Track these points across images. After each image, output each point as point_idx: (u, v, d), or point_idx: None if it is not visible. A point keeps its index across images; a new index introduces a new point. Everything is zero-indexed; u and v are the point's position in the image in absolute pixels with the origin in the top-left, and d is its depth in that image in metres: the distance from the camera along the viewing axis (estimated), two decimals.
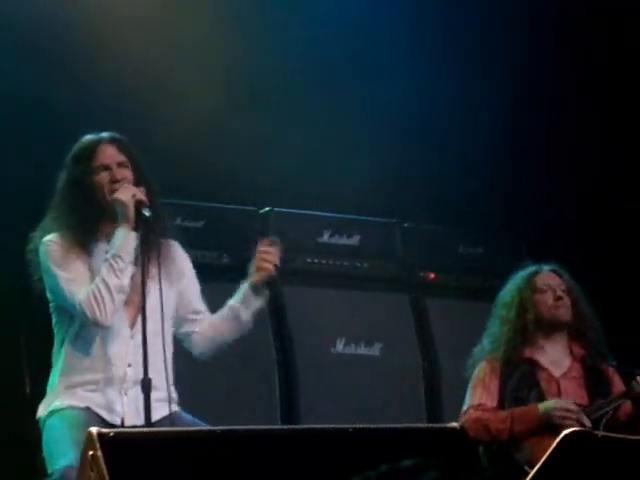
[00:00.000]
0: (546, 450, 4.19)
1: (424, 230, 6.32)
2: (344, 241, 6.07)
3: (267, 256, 4.33)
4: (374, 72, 6.40)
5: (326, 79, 6.22)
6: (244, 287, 4.33)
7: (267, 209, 5.93)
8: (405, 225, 6.26)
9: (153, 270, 4.07)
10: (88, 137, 4.18)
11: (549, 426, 4.56)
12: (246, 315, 4.30)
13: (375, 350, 5.95)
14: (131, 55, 5.82)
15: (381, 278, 6.11)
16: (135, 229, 4.01)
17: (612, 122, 6.48)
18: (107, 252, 4.02)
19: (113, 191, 4.06)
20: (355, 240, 6.09)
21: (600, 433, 4.24)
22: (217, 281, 5.69)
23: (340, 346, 5.87)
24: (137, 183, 4.11)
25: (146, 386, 3.90)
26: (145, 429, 3.81)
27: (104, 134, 4.17)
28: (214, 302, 5.57)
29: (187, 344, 4.31)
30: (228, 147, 6.00)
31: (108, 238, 4.10)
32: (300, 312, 5.81)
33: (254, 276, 4.32)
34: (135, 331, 4.06)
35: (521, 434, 4.64)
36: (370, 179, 6.18)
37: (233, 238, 5.79)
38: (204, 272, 5.59)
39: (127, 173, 4.11)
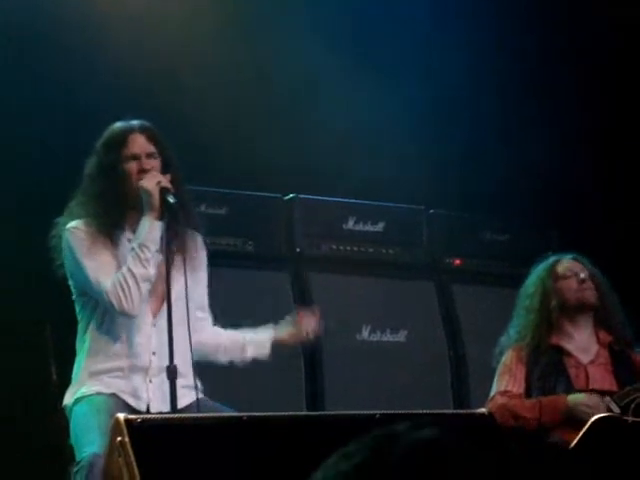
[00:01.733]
0: (575, 438, 4.18)
1: (450, 217, 6.28)
2: (369, 228, 6.04)
3: (309, 326, 4.28)
4: (397, 59, 6.37)
5: (350, 65, 6.18)
6: (267, 335, 4.31)
7: (291, 196, 5.90)
8: (430, 211, 6.23)
9: (177, 259, 4.07)
10: (119, 125, 4.18)
11: (576, 418, 4.52)
12: (251, 355, 4.34)
13: (401, 337, 5.92)
14: (152, 44, 5.80)
15: (406, 265, 6.07)
16: (160, 217, 4.00)
17: None
18: (133, 241, 4.02)
19: (140, 181, 4.06)
20: (380, 227, 6.06)
21: (630, 419, 4.21)
22: (240, 268, 5.70)
23: (366, 333, 5.85)
24: (164, 172, 4.11)
25: (172, 373, 3.90)
26: (172, 415, 3.81)
27: (135, 122, 4.17)
28: (237, 289, 5.60)
29: None
30: (252, 134, 5.98)
31: (133, 227, 4.10)
32: (325, 299, 5.78)
33: (285, 336, 4.30)
34: (158, 319, 4.06)
35: (549, 423, 4.61)
36: (395, 165, 6.15)
37: (257, 225, 5.77)
38: (228, 259, 5.64)
39: (155, 163, 4.11)
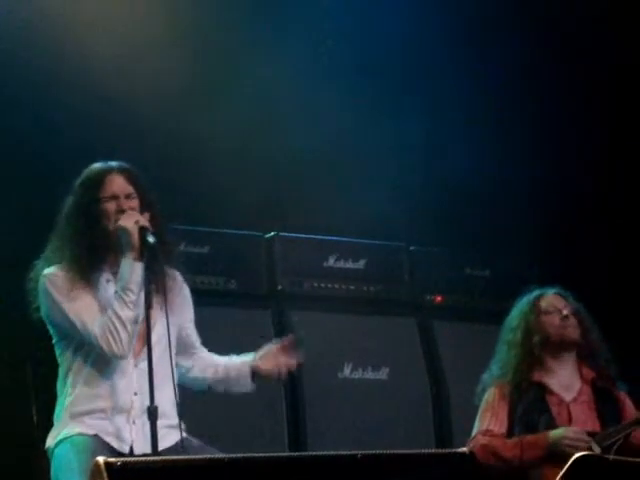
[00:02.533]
0: (556, 477, 4.17)
1: (430, 253, 6.30)
2: (350, 265, 6.06)
3: (286, 360, 4.30)
4: (382, 94, 6.40)
5: (335, 100, 6.20)
6: (245, 367, 4.32)
7: (272, 234, 5.92)
8: (411, 248, 6.25)
9: (158, 299, 4.07)
10: (97, 165, 4.19)
11: (559, 455, 4.51)
12: (235, 390, 4.35)
13: (383, 374, 5.92)
14: (123, 83, 5.82)
15: (388, 302, 6.09)
16: (140, 257, 4.00)
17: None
18: (116, 284, 4.01)
19: (118, 221, 4.06)
20: (361, 264, 6.08)
21: (611, 457, 4.21)
22: (222, 306, 5.70)
23: (347, 370, 5.85)
24: (142, 212, 4.11)
25: (152, 414, 3.89)
26: (152, 458, 3.79)
27: (113, 163, 4.18)
28: (219, 327, 5.59)
29: (181, 378, 4.28)
30: (232, 172, 5.99)
31: (112, 268, 4.10)
32: (307, 337, 5.78)
33: (264, 368, 4.30)
34: (139, 360, 4.05)
35: (531, 462, 4.60)
36: (375, 203, 6.17)
37: (239, 263, 5.79)
38: (210, 297, 5.63)
39: (134, 203, 4.11)
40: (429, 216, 6.36)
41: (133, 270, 3.99)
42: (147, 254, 4.01)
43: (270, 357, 4.30)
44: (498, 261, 6.41)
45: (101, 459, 3.43)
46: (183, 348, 4.27)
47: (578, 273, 5.83)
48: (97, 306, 4.04)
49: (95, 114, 5.65)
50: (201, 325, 5.44)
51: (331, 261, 6.02)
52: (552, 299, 4.93)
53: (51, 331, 4.15)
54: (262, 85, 6.11)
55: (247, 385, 4.33)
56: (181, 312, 4.26)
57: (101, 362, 4.05)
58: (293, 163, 6.12)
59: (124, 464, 3.48)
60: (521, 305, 4.96)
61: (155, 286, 4.06)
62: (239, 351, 5.56)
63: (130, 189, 4.12)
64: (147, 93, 5.82)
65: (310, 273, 5.95)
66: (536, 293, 4.98)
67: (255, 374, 4.31)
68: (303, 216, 6.09)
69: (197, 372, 4.33)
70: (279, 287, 5.86)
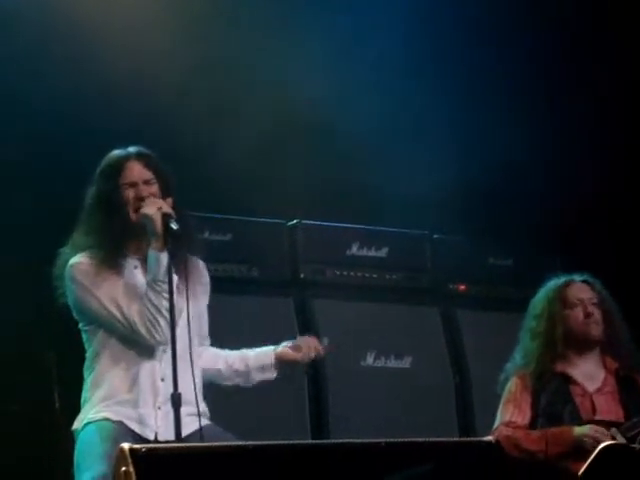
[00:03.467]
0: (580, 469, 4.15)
1: (454, 241, 6.28)
2: (373, 253, 6.04)
3: (310, 345, 4.31)
4: (401, 84, 6.37)
5: (356, 93, 6.18)
6: (270, 354, 4.33)
7: (295, 222, 5.91)
8: (434, 236, 6.23)
9: (180, 286, 4.07)
10: (116, 152, 4.19)
11: (582, 450, 4.48)
12: (257, 379, 4.35)
13: (405, 363, 5.91)
14: (157, 66, 5.81)
15: (411, 290, 6.07)
16: (164, 245, 4.00)
17: None
18: (147, 276, 4.02)
19: (138, 208, 4.05)
20: (384, 252, 6.06)
21: (637, 446, 4.19)
22: (244, 294, 5.70)
23: (370, 359, 5.84)
24: (163, 197, 4.11)
25: (176, 401, 3.89)
26: (177, 445, 3.79)
27: (132, 149, 4.17)
28: (241, 315, 5.60)
29: None
30: (255, 159, 5.98)
31: (137, 254, 4.11)
32: (330, 325, 5.78)
33: (287, 351, 4.31)
34: (166, 347, 4.05)
35: (555, 455, 4.56)
36: (398, 190, 6.14)
37: (261, 251, 5.78)
38: (232, 285, 5.64)
39: (153, 190, 4.11)
40: (452, 204, 6.32)
41: (159, 261, 3.99)
42: (170, 241, 4.01)
43: (294, 347, 4.29)
44: (521, 250, 6.39)
45: (126, 445, 3.43)
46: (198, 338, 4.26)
47: (602, 261, 5.78)
48: (130, 292, 4.05)
49: (112, 100, 5.65)
50: (223, 313, 5.46)
51: (354, 249, 6.00)
52: (578, 289, 4.88)
53: (78, 317, 4.16)
54: (285, 69, 6.08)
55: (270, 372, 4.32)
56: (202, 300, 4.27)
57: (128, 348, 4.07)
58: (317, 151, 6.10)
59: (149, 450, 3.49)
60: (547, 291, 4.91)
61: (178, 273, 4.07)
62: (261, 339, 5.58)
63: (149, 175, 4.12)
64: (167, 78, 5.81)
65: (332, 261, 5.94)
66: (563, 280, 4.92)
67: (279, 362, 4.29)
68: (326, 204, 6.07)
69: (206, 363, 4.31)
70: (301, 275, 5.85)
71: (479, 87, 6.37)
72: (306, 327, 5.74)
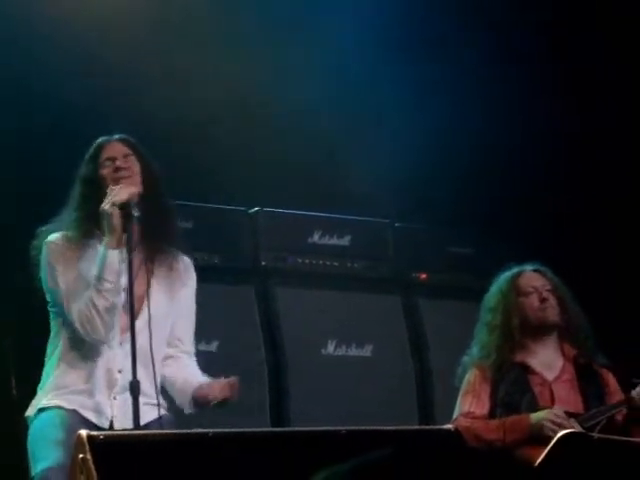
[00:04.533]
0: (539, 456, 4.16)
1: (415, 230, 6.29)
2: (335, 241, 6.03)
3: (224, 390, 4.14)
4: (367, 78, 6.37)
5: (319, 81, 6.16)
6: (191, 388, 4.16)
7: (256, 209, 5.88)
8: (396, 225, 6.22)
9: (155, 278, 4.04)
10: (98, 139, 4.19)
11: (541, 436, 4.50)
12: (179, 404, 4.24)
13: (366, 351, 5.91)
14: (119, 52, 5.77)
15: (372, 278, 6.07)
16: (118, 243, 3.94)
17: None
18: (93, 272, 3.97)
19: (116, 180, 4.02)
20: (346, 240, 6.05)
21: (596, 435, 4.21)
22: (205, 282, 5.64)
23: (331, 347, 5.83)
24: (143, 177, 4.09)
25: (134, 388, 3.86)
26: (135, 432, 3.77)
27: (115, 135, 4.19)
28: (202, 302, 5.55)
29: None
30: (216, 146, 5.95)
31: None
32: (290, 313, 5.77)
33: (203, 390, 4.14)
34: (125, 338, 4.01)
35: (513, 443, 4.58)
36: (361, 178, 6.14)
37: (222, 238, 5.75)
38: None
39: (132, 164, 4.09)
40: (414, 193, 6.33)
41: (105, 259, 3.94)
42: (128, 228, 3.96)
43: (209, 386, 4.15)
44: (482, 239, 6.40)
45: (84, 432, 3.41)
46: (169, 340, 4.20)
47: (561, 250, 5.82)
48: (81, 283, 4.00)
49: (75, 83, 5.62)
50: None
51: (315, 237, 5.99)
52: (530, 277, 4.90)
53: (47, 297, 4.13)
54: (243, 54, 6.05)
55: (185, 406, 4.20)
56: (182, 302, 4.20)
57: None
58: (277, 138, 6.07)
59: (107, 437, 3.47)
60: (500, 284, 4.91)
61: (141, 262, 4.03)
62: (221, 327, 5.57)
63: (129, 151, 4.12)
64: (127, 64, 5.78)
65: (294, 249, 5.92)
66: (515, 271, 4.93)
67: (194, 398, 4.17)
68: (288, 191, 6.06)
69: (170, 375, 4.21)
70: (263, 263, 5.83)
71: (441, 73, 6.36)
72: (267, 315, 5.73)
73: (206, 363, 5.44)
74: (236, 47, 6.08)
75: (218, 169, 5.91)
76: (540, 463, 3.34)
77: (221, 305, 5.64)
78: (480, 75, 6.38)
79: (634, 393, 4.66)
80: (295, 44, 6.12)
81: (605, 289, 6.15)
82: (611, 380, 4.85)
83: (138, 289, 3.98)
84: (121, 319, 4.03)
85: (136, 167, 4.10)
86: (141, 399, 3.87)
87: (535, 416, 4.58)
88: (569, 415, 4.61)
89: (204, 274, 5.63)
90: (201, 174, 5.86)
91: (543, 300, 4.80)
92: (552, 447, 3.88)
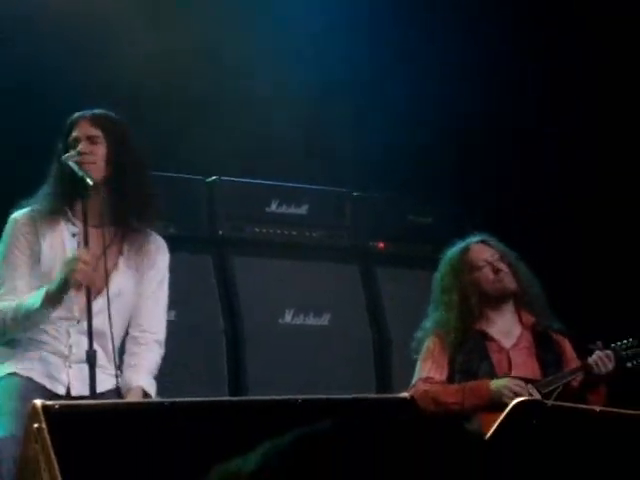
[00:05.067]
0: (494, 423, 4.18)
1: (373, 199, 6.27)
2: (292, 210, 6.01)
3: None
4: (317, 42, 6.33)
5: (281, 45, 6.13)
6: None
7: (213, 178, 5.85)
8: (354, 194, 6.21)
9: (123, 256, 4.04)
10: (75, 113, 4.16)
11: (500, 403, 4.52)
12: None
13: (324, 320, 5.90)
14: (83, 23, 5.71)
15: (330, 247, 6.05)
16: (54, 304, 3.90)
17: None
18: (21, 304, 3.94)
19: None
20: (304, 209, 6.03)
21: (550, 402, 4.23)
22: None
23: (288, 317, 5.82)
24: (108, 160, 4.04)
25: (91, 358, 3.85)
26: (91, 401, 3.75)
27: (91, 110, 4.15)
28: None
29: None
30: (173, 114, 5.90)
31: (77, 216, 4.04)
32: (248, 282, 5.76)
33: None
34: (82, 316, 3.99)
35: (472, 408, 4.60)
36: (319, 147, 6.12)
37: (179, 207, 5.69)
38: None
39: (96, 148, 4.05)
40: (373, 162, 6.32)
41: (39, 314, 3.92)
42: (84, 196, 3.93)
43: None
44: (440, 208, 6.40)
45: (38, 402, 3.38)
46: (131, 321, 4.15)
47: (519, 216, 5.83)
48: (28, 277, 3.98)
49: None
50: None
51: (273, 206, 5.96)
52: (479, 250, 4.89)
53: None
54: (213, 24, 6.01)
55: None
56: (147, 285, 4.17)
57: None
58: (236, 106, 6.03)
59: (62, 407, 3.44)
60: (450, 262, 4.89)
61: (118, 242, 4.01)
62: (179, 297, 5.54)
63: (95, 132, 4.07)
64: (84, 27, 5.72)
65: (252, 218, 5.89)
66: (461, 246, 4.92)
67: None
68: (245, 160, 6.02)
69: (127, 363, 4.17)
70: (220, 232, 5.80)
71: (406, 41, 6.34)
72: (224, 284, 5.70)
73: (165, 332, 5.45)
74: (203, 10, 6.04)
75: (175, 137, 5.85)
76: (494, 431, 3.36)
77: (179, 275, 5.56)
78: (447, 42, 6.36)
79: (591, 360, 4.70)
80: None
81: (562, 253, 6.17)
82: (568, 347, 4.88)
83: (102, 266, 3.97)
84: (82, 297, 4.00)
85: (101, 150, 4.06)
86: (98, 370, 3.87)
87: (495, 383, 4.61)
88: (527, 381, 4.65)
89: None
90: (158, 142, 5.80)
91: (497, 271, 4.81)
92: (506, 415, 3.90)
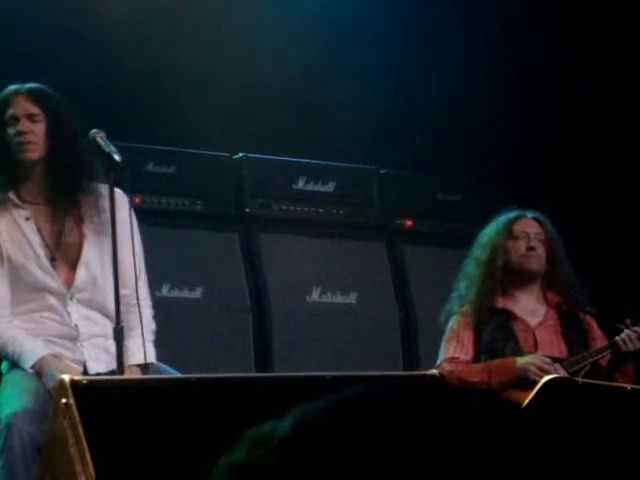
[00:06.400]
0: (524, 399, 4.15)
1: (401, 177, 6.22)
2: (319, 188, 5.97)
3: None
4: (352, 18, 6.29)
5: (306, 30, 6.09)
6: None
7: (241, 155, 5.81)
8: (382, 172, 6.16)
9: (91, 224, 3.99)
10: (9, 87, 4.05)
11: (526, 380, 4.49)
12: None
13: (351, 299, 5.87)
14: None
15: (357, 225, 6.01)
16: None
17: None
18: (18, 347, 3.88)
19: (19, 145, 3.92)
20: (331, 187, 5.99)
21: (580, 380, 4.20)
22: (189, 228, 5.63)
23: (316, 295, 5.79)
24: (48, 137, 3.96)
25: (117, 334, 3.83)
26: (119, 377, 3.75)
27: (26, 85, 4.03)
28: (185, 249, 5.53)
29: None
30: (201, 92, 5.88)
31: (29, 200, 3.98)
32: (275, 260, 5.73)
33: None
34: (74, 291, 3.96)
35: (498, 386, 4.57)
36: (347, 124, 6.08)
37: (206, 184, 5.68)
38: (176, 219, 5.57)
39: (36, 127, 3.96)
40: (400, 139, 6.27)
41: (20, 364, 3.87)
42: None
43: None
44: (469, 186, 6.35)
45: (66, 377, 3.39)
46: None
47: (552, 198, 5.77)
48: (1, 280, 3.93)
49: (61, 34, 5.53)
50: (166, 247, 5.40)
51: (300, 183, 5.93)
52: (526, 223, 4.85)
53: None
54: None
55: None
56: (104, 242, 4.01)
57: (30, 298, 3.97)
58: (262, 84, 6.00)
59: (90, 382, 3.45)
60: (496, 223, 4.88)
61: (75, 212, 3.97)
62: (205, 274, 5.53)
63: (34, 109, 3.97)
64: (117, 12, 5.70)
65: (279, 195, 5.86)
66: (514, 214, 4.89)
67: None
68: (272, 137, 5.99)
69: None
70: (247, 209, 5.77)
71: (429, 18, 6.29)
72: (251, 262, 5.69)
73: (191, 310, 5.45)
74: None
75: (202, 114, 5.83)
76: (526, 405, 3.33)
77: (205, 252, 5.60)
78: (469, 26, 6.32)
79: (618, 339, 4.65)
80: None
81: (590, 230, 6.12)
82: (594, 326, 4.84)
83: (71, 240, 3.95)
84: (62, 273, 3.97)
85: (40, 128, 3.96)
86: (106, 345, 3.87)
87: (521, 360, 4.57)
88: (554, 360, 4.61)
89: (187, 221, 5.63)
90: (185, 119, 5.79)
91: (530, 248, 4.76)
92: (538, 390, 3.88)
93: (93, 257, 3.97)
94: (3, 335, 3.89)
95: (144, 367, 3.94)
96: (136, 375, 3.89)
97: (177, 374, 4.05)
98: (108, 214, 3.92)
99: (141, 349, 3.91)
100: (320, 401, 1.53)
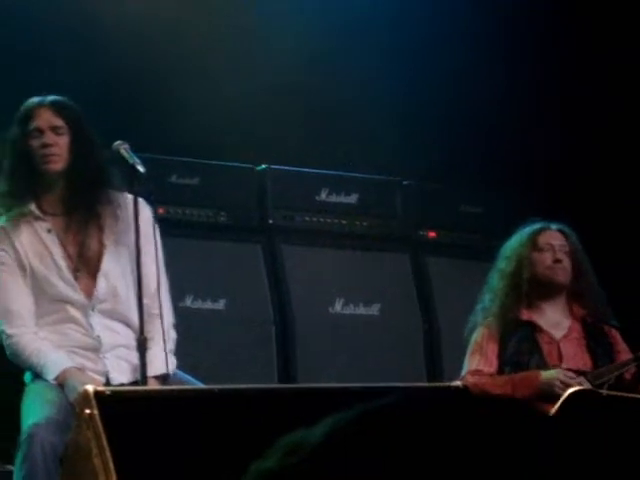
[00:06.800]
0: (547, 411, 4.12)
1: (424, 188, 6.21)
2: (342, 199, 5.97)
3: None
4: (372, 24, 6.30)
5: (323, 36, 6.10)
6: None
7: (263, 166, 5.82)
8: (405, 183, 6.16)
9: (113, 233, 4.00)
10: (31, 100, 4.06)
11: (550, 394, 4.47)
12: None
13: (374, 310, 5.86)
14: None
15: (380, 237, 6.00)
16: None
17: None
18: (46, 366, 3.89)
19: (44, 157, 3.94)
20: (354, 198, 5.99)
21: (605, 392, 4.18)
22: (212, 239, 5.64)
23: (338, 306, 5.79)
24: (71, 149, 3.98)
25: (141, 344, 3.84)
26: (142, 387, 3.75)
27: (48, 97, 4.04)
28: (209, 260, 5.54)
29: None
30: (225, 104, 5.89)
31: (50, 212, 4.00)
32: (298, 271, 5.73)
33: None
34: (95, 302, 3.98)
35: (521, 399, 4.55)
36: (370, 136, 6.08)
37: (229, 196, 5.70)
38: (199, 230, 5.58)
39: (60, 139, 3.97)
40: (424, 151, 6.27)
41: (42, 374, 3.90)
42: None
43: None
44: (492, 198, 6.34)
45: (90, 387, 3.39)
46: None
47: (573, 211, 5.75)
48: (25, 296, 3.95)
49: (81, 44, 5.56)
50: (189, 258, 5.41)
51: (323, 195, 5.93)
52: (551, 235, 4.84)
53: None
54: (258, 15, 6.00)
55: None
56: (123, 253, 4.04)
57: (56, 309, 3.99)
58: (285, 95, 6.01)
59: (114, 393, 3.45)
60: (521, 235, 4.87)
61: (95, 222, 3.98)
62: (228, 285, 5.54)
63: (58, 122, 3.99)
64: (139, 21, 5.72)
65: (301, 207, 5.86)
66: (538, 226, 4.88)
67: None
68: (296, 149, 6.00)
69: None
70: (270, 221, 5.78)
71: (451, 31, 6.29)
72: (274, 273, 5.69)
73: (214, 321, 5.45)
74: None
75: (226, 126, 5.85)
76: (552, 416, 3.31)
77: (228, 263, 5.61)
78: (489, 32, 6.31)
79: None
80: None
81: (613, 242, 6.09)
82: (619, 339, 4.82)
83: (92, 251, 3.96)
84: (83, 284, 3.98)
85: (64, 140, 3.98)
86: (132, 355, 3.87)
87: (545, 374, 4.55)
88: (578, 373, 4.59)
89: (210, 232, 5.65)
90: (209, 131, 5.80)
91: (556, 260, 4.75)
92: (563, 402, 3.86)
93: (113, 267, 3.98)
94: (28, 347, 3.91)
95: (162, 378, 3.94)
96: (156, 386, 3.89)
97: (199, 384, 4.05)
98: (129, 224, 3.94)
99: (159, 359, 3.91)
100: (352, 410, 1.53)
